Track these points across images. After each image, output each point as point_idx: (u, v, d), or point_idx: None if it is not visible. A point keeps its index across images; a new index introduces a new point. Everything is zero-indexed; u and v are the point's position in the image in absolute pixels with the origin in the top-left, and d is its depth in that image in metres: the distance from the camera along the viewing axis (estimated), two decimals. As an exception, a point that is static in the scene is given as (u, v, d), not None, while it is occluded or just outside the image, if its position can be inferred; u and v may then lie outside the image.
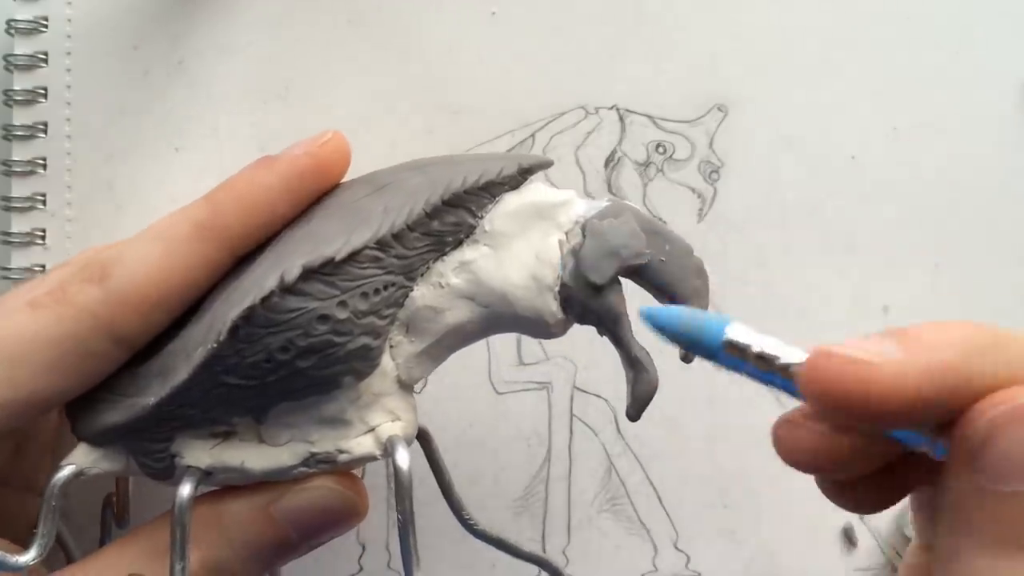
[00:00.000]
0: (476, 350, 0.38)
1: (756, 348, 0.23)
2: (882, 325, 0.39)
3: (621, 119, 0.39)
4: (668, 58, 0.39)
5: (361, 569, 0.39)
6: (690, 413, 0.39)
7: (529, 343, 0.39)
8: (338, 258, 0.27)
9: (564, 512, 0.39)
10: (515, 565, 0.38)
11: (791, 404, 0.32)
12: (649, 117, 0.39)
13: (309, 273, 0.27)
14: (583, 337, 0.39)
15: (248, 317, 0.27)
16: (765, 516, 0.39)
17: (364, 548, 0.39)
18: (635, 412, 0.29)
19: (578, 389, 0.39)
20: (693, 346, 0.24)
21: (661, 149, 0.39)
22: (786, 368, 0.23)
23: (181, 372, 0.28)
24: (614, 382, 0.38)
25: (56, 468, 0.29)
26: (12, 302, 0.29)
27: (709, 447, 0.39)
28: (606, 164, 0.39)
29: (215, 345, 0.27)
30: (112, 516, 0.35)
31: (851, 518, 0.39)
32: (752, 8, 0.39)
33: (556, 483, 0.39)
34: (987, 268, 0.40)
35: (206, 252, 0.29)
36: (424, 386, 0.38)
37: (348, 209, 0.29)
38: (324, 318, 0.27)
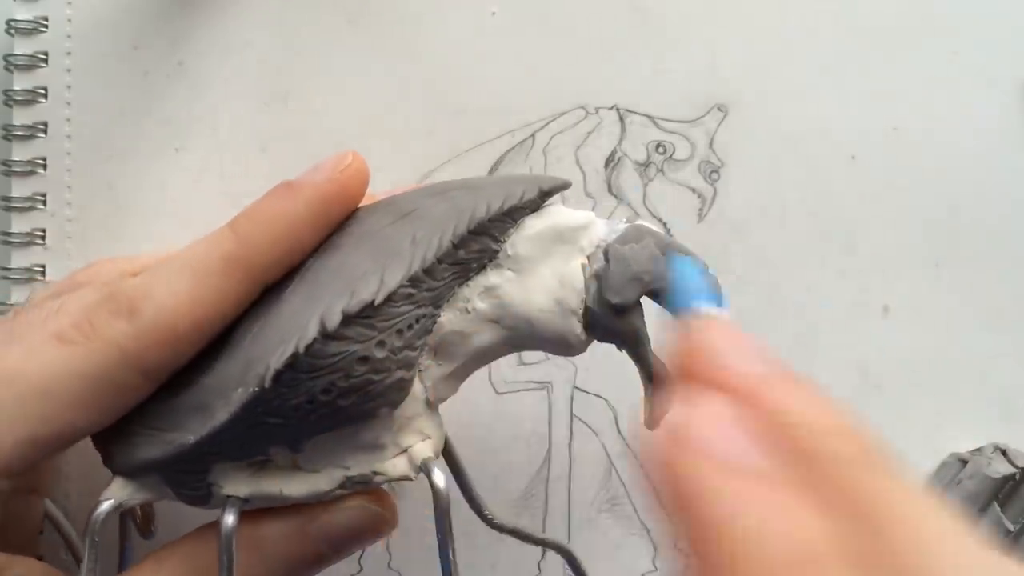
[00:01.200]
0: (476, 350, 0.39)
1: None
2: (882, 325, 0.39)
3: (621, 119, 0.39)
4: (668, 58, 0.39)
5: (361, 569, 0.39)
6: (690, 413, 0.39)
7: (529, 343, 0.39)
8: (377, 302, 0.27)
9: (564, 512, 0.39)
10: (515, 564, 0.38)
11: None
12: (649, 117, 0.39)
13: (349, 319, 0.27)
14: (583, 337, 0.39)
15: (292, 364, 0.27)
16: (765, 516, 0.39)
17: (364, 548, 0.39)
18: (654, 423, 0.30)
19: (578, 389, 0.39)
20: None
21: (661, 149, 0.39)
22: None
23: (220, 414, 0.28)
24: (614, 382, 0.38)
25: (95, 504, 0.29)
26: (36, 335, 0.28)
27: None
28: (606, 164, 0.39)
29: (257, 390, 0.27)
30: (134, 526, 0.35)
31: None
32: (752, 8, 0.39)
33: (556, 483, 0.39)
34: (987, 268, 0.40)
35: (235, 286, 0.29)
36: (424, 386, 0.38)
37: (375, 240, 0.29)
38: (364, 359, 0.27)
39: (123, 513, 0.35)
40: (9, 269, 0.37)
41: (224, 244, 0.29)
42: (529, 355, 0.39)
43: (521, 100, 0.39)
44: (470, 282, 0.29)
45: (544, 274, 0.29)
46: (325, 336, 0.27)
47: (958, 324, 0.39)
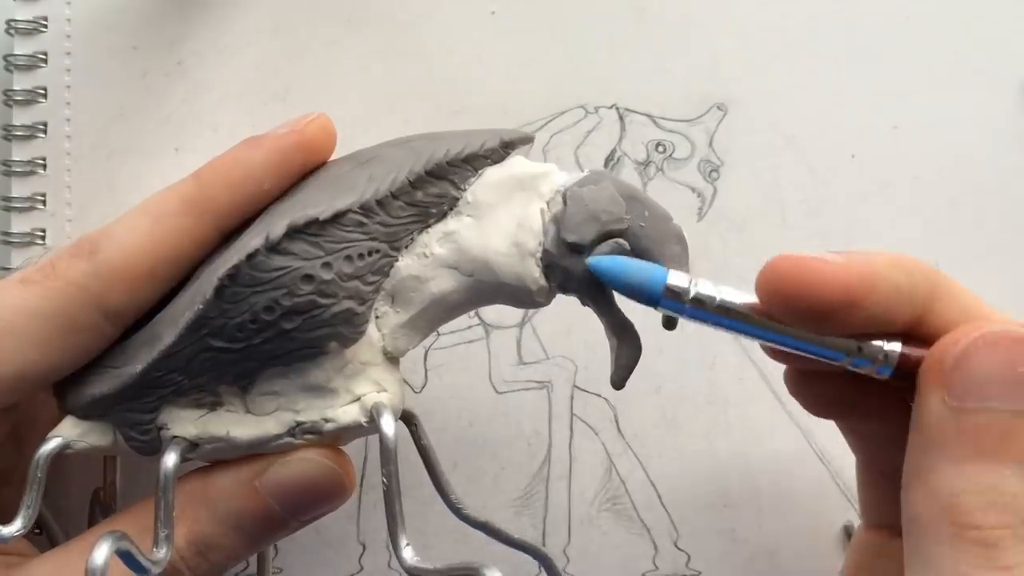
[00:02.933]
0: (476, 350, 0.39)
1: (693, 292, 0.26)
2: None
3: (621, 118, 0.39)
4: (668, 57, 0.39)
5: (361, 569, 0.39)
6: (690, 413, 0.39)
7: (529, 342, 0.39)
8: (322, 218, 0.27)
9: (564, 511, 0.39)
10: (515, 564, 0.38)
11: (793, 402, 0.32)
12: (649, 116, 0.39)
13: (294, 232, 0.27)
14: (583, 337, 0.39)
15: (233, 275, 0.27)
16: (765, 516, 0.39)
17: (364, 548, 0.39)
18: (619, 379, 0.29)
19: (578, 388, 0.39)
20: (636, 293, 0.27)
21: (661, 148, 0.39)
22: (725, 308, 0.26)
23: (167, 337, 0.28)
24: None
25: (42, 440, 0.29)
26: (3, 282, 0.29)
27: (709, 447, 0.39)
28: (606, 163, 0.39)
29: (201, 306, 0.27)
30: (100, 511, 0.35)
31: (851, 517, 0.39)
32: (752, 8, 0.39)
33: (556, 482, 0.39)
34: (987, 268, 0.40)
35: (193, 226, 0.29)
36: (425, 385, 0.38)
37: (333, 180, 0.29)
38: (309, 278, 0.27)
39: (92, 500, 0.35)
40: (9, 269, 0.37)
41: (185, 188, 0.30)
42: (529, 354, 0.39)
43: (520, 99, 0.39)
44: (430, 229, 0.29)
45: (503, 219, 0.29)
46: (269, 249, 0.27)
47: (958, 323, 0.39)
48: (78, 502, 0.37)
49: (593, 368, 0.39)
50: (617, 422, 0.39)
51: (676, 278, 0.27)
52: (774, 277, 0.26)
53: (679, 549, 0.39)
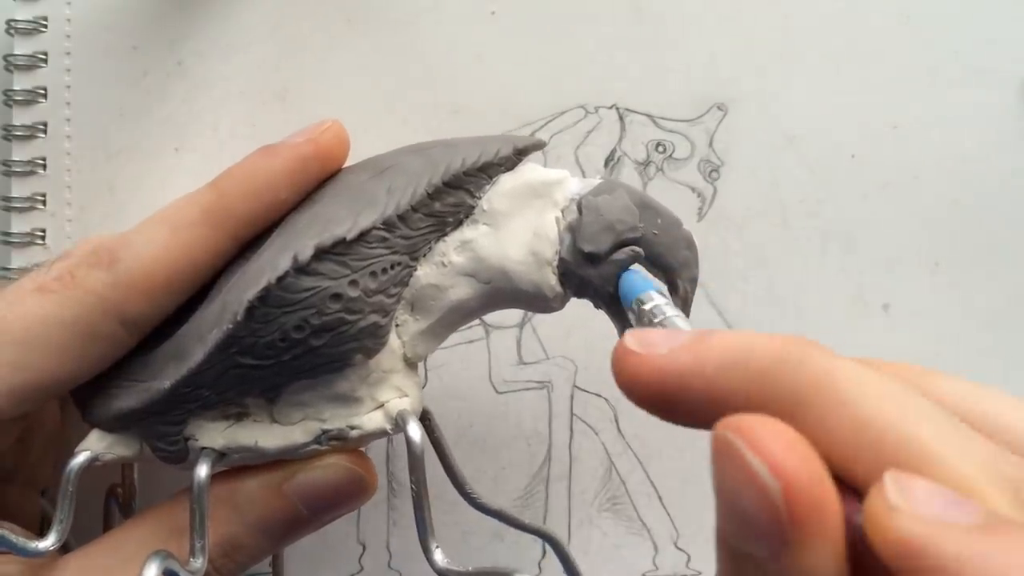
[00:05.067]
0: (476, 350, 0.39)
1: (646, 310, 0.25)
2: (882, 324, 0.39)
3: (621, 118, 0.39)
4: (668, 57, 0.39)
5: (362, 569, 0.39)
6: (690, 413, 0.39)
7: (529, 342, 0.39)
8: (349, 238, 0.28)
9: (564, 511, 0.39)
10: (516, 564, 0.38)
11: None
12: (649, 116, 0.39)
13: (321, 253, 0.27)
14: (583, 337, 0.39)
15: (264, 297, 0.27)
16: (765, 516, 0.39)
17: (364, 548, 0.39)
18: None
19: (578, 388, 0.39)
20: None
21: (661, 148, 0.39)
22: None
23: (197, 354, 0.28)
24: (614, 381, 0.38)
25: (70, 455, 0.30)
26: (20, 289, 0.29)
27: (709, 447, 0.39)
28: (606, 163, 0.39)
29: (231, 326, 0.27)
30: (117, 506, 0.35)
31: (852, 517, 0.39)
32: (752, 8, 0.39)
33: (556, 482, 0.39)
34: (987, 268, 0.40)
35: (211, 236, 0.29)
36: (425, 384, 0.38)
37: (352, 192, 0.29)
38: (337, 296, 0.28)
39: (108, 495, 0.35)
40: (9, 269, 0.37)
41: (203, 198, 0.30)
42: (529, 354, 0.39)
43: (521, 99, 0.39)
44: (447, 237, 0.30)
45: (519, 227, 0.29)
46: (298, 270, 0.27)
47: (958, 323, 0.39)
48: (83, 498, 0.37)
49: (593, 368, 0.39)
50: (617, 422, 0.39)
51: (647, 297, 0.26)
52: (613, 367, 0.23)
53: (679, 549, 0.39)
